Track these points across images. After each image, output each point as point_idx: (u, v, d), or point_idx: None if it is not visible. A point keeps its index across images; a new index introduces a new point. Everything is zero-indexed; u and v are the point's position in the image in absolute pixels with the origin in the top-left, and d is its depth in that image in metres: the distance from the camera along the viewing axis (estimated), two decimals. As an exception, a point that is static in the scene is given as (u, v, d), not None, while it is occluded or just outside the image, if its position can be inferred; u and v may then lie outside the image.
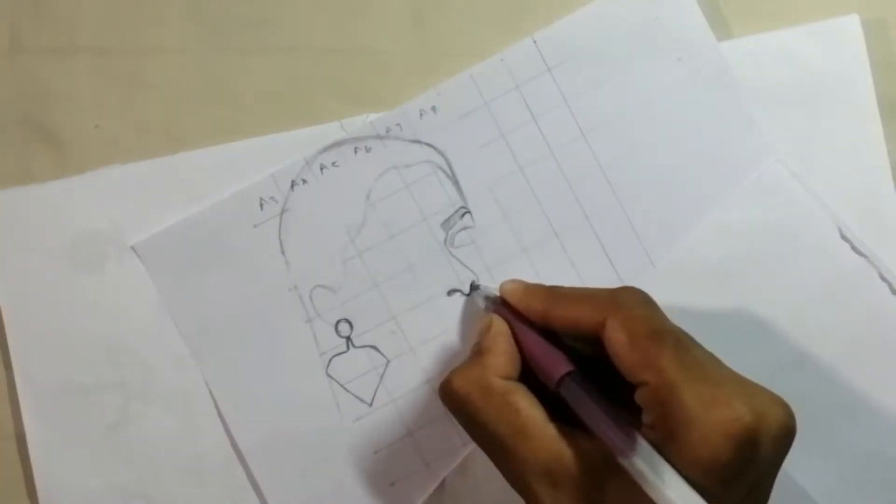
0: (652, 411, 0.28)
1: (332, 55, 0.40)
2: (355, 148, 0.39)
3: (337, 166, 0.39)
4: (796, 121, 0.40)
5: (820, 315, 0.39)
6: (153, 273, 0.39)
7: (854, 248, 0.39)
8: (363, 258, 0.39)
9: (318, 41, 0.40)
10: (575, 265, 0.39)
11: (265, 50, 0.40)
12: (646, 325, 0.30)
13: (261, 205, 0.39)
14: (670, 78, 0.39)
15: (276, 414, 0.38)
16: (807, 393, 0.38)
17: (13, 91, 0.40)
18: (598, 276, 0.39)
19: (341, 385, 0.39)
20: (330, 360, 0.39)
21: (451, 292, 0.39)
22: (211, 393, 0.39)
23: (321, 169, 0.39)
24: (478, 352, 0.34)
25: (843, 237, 0.39)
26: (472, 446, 0.39)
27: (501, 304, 0.35)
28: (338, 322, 0.39)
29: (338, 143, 0.39)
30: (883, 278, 0.39)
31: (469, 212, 0.39)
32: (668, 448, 0.27)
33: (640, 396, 0.29)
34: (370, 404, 0.39)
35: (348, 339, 0.39)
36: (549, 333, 0.33)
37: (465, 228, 0.39)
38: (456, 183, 0.39)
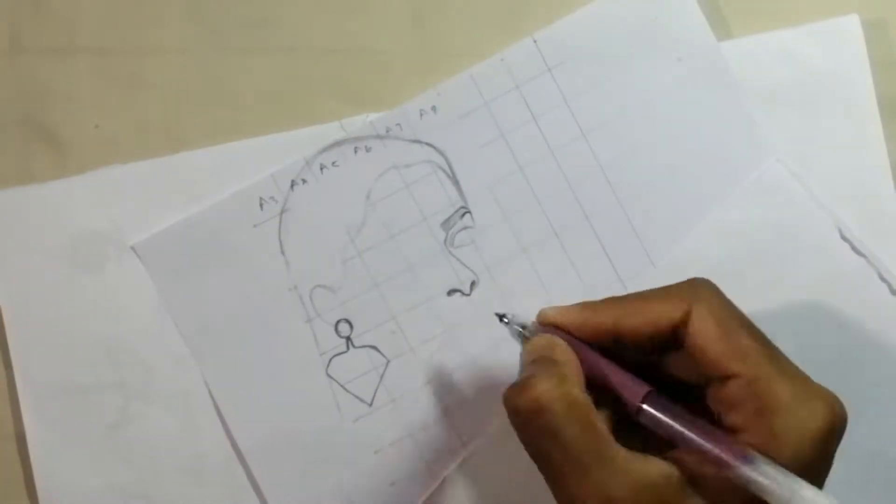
0: (746, 406, 0.27)
1: (332, 55, 0.40)
2: (355, 148, 0.39)
3: (337, 166, 0.39)
4: (796, 121, 0.40)
5: (820, 315, 0.39)
6: (153, 273, 0.39)
7: (854, 249, 0.39)
8: (363, 258, 0.39)
9: (318, 41, 0.40)
10: (575, 265, 0.39)
11: (265, 50, 0.40)
12: (734, 314, 0.29)
13: (261, 205, 0.39)
14: (670, 78, 0.39)
15: (276, 414, 0.38)
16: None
17: (13, 91, 0.40)
18: (598, 276, 0.39)
19: (341, 385, 0.39)
20: (330, 360, 0.39)
21: (451, 292, 0.39)
22: (211, 393, 0.39)
23: (321, 169, 0.39)
24: (551, 362, 0.30)
25: (843, 237, 0.39)
26: (472, 446, 0.38)
27: (545, 330, 0.32)
28: (338, 322, 0.39)
29: (338, 143, 0.39)
30: (882, 278, 0.39)
31: (469, 212, 0.39)
32: (770, 447, 0.27)
33: (729, 391, 0.28)
34: (370, 404, 0.39)
35: (348, 339, 0.39)
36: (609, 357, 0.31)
37: (465, 228, 0.39)
38: (456, 183, 0.39)
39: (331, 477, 0.38)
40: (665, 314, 0.30)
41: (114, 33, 0.40)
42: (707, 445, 0.28)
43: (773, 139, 0.39)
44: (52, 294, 0.39)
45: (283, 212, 0.39)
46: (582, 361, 0.31)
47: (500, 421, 0.38)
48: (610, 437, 0.28)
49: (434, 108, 0.39)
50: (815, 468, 0.27)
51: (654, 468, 0.28)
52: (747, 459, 0.27)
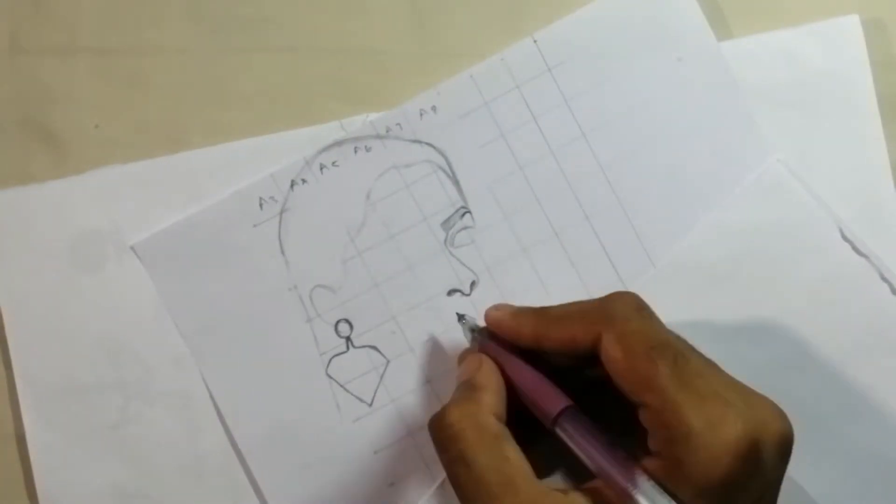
0: (658, 434, 0.28)
1: (332, 55, 0.40)
2: (355, 148, 0.39)
3: (337, 166, 0.39)
4: (796, 121, 0.40)
5: (820, 315, 0.39)
6: (153, 273, 0.39)
7: (855, 249, 0.39)
8: (363, 258, 0.39)
9: (318, 41, 0.40)
10: (575, 265, 0.39)
11: (265, 50, 0.40)
12: (641, 340, 0.29)
13: (260, 205, 0.39)
14: (670, 78, 0.39)
15: (276, 414, 0.38)
16: (807, 393, 0.38)
17: (13, 91, 0.40)
18: (598, 276, 0.39)
19: (341, 385, 0.39)
20: (330, 360, 0.39)
21: (451, 292, 0.39)
22: (211, 393, 0.39)
23: (321, 169, 0.39)
24: (471, 387, 0.31)
25: (844, 238, 0.39)
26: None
27: (488, 335, 0.34)
28: (338, 322, 0.39)
29: (338, 143, 0.39)
30: (884, 279, 0.39)
31: (469, 212, 0.39)
32: (677, 473, 0.27)
33: (643, 417, 0.28)
34: (370, 404, 0.39)
35: (348, 339, 0.39)
36: (542, 362, 0.32)
37: (465, 228, 0.39)
38: (456, 183, 0.39)
39: (331, 477, 0.38)
40: (577, 338, 0.30)
41: (114, 33, 0.40)
42: (606, 468, 0.28)
43: (774, 139, 0.39)
44: (52, 294, 0.39)
45: (283, 212, 0.39)
46: (509, 373, 0.32)
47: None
48: (522, 468, 0.29)
49: (434, 108, 0.39)
50: (739, 486, 0.27)
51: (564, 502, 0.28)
52: (637, 484, 0.27)
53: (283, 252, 0.39)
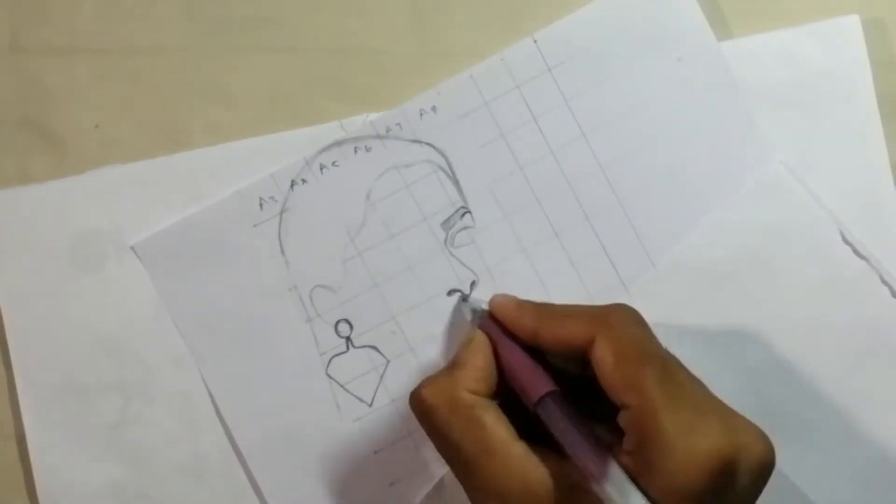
0: (632, 435, 0.28)
1: (332, 55, 0.40)
2: (355, 148, 0.39)
3: (337, 166, 0.39)
4: (796, 121, 0.40)
5: (820, 317, 0.39)
6: (153, 273, 0.39)
7: (856, 251, 0.39)
8: (363, 258, 0.39)
9: (318, 41, 0.40)
10: (575, 265, 0.39)
11: (265, 50, 0.40)
12: (634, 346, 0.30)
13: (260, 204, 0.39)
14: (670, 78, 0.39)
15: (276, 414, 0.38)
16: (807, 395, 0.38)
17: (13, 91, 0.40)
18: (598, 276, 0.39)
19: (341, 385, 0.39)
20: (330, 360, 0.39)
21: (451, 292, 0.39)
22: (210, 393, 0.39)
23: (321, 169, 0.39)
24: (452, 364, 0.33)
25: (845, 240, 0.39)
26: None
27: (489, 319, 0.35)
28: (338, 322, 0.39)
29: (338, 143, 0.39)
30: (884, 281, 0.39)
31: (469, 212, 0.39)
32: (645, 474, 0.27)
33: (622, 419, 0.29)
34: (370, 404, 0.39)
35: (348, 339, 0.39)
36: (537, 353, 0.33)
37: (465, 228, 0.39)
38: (456, 183, 0.39)
39: (331, 477, 0.38)
40: (573, 336, 0.31)
41: (114, 33, 0.40)
42: (576, 450, 0.29)
43: (774, 139, 0.39)
44: (52, 294, 0.39)
45: (283, 212, 0.39)
46: (501, 353, 0.33)
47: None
48: (502, 433, 0.30)
49: (434, 108, 0.39)
50: (705, 500, 0.27)
51: (545, 467, 0.30)
52: (607, 470, 0.28)
53: (283, 252, 0.39)
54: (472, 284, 0.39)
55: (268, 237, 0.39)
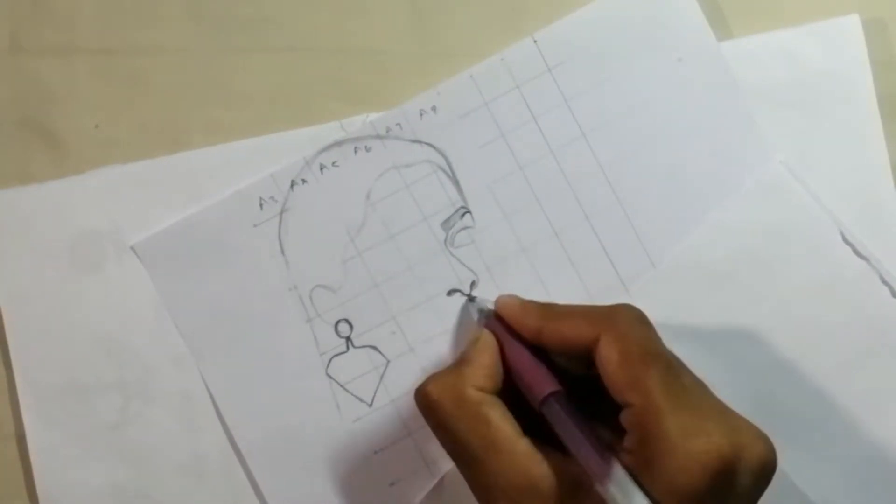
0: (634, 434, 0.29)
1: (332, 55, 0.40)
2: (355, 148, 0.39)
3: (337, 166, 0.39)
4: (796, 121, 0.40)
5: (820, 317, 0.39)
6: (153, 273, 0.39)
7: (856, 252, 0.39)
8: (363, 258, 0.39)
9: (318, 41, 0.40)
10: (575, 265, 0.39)
11: (265, 50, 0.40)
12: (639, 345, 0.30)
13: (260, 204, 0.39)
14: (670, 78, 0.39)
15: (276, 414, 0.38)
16: (807, 395, 0.38)
17: (13, 91, 0.40)
18: (598, 276, 0.39)
19: (341, 385, 0.39)
20: (330, 360, 0.39)
21: (451, 292, 0.39)
22: (210, 393, 0.39)
23: (321, 169, 0.39)
24: (459, 361, 0.34)
25: (845, 240, 0.39)
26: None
27: (495, 319, 0.35)
28: (338, 322, 0.39)
29: (338, 143, 0.39)
30: (884, 281, 0.39)
31: (469, 212, 0.39)
32: (646, 474, 0.28)
33: (624, 418, 0.29)
34: (370, 404, 0.39)
35: (348, 339, 0.39)
36: (542, 353, 0.33)
37: (465, 228, 0.39)
38: (456, 183, 0.39)
39: (331, 477, 0.38)
40: (578, 335, 0.31)
41: (114, 33, 0.40)
42: (580, 450, 0.29)
43: (774, 139, 0.39)
44: (52, 294, 0.39)
45: (283, 212, 0.39)
46: (507, 353, 0.33)
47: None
48: (507, 429, 0.31)
49: (434, 108, 0.39)
50: (705, 500, 0.27)
51: (550, 463, 0.30)
52: (611, 470, 0.28)
53: (283, 252, 0.39)
54: (472, 284, 0.39)
55: (268, 237, 0.39)
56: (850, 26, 0.40)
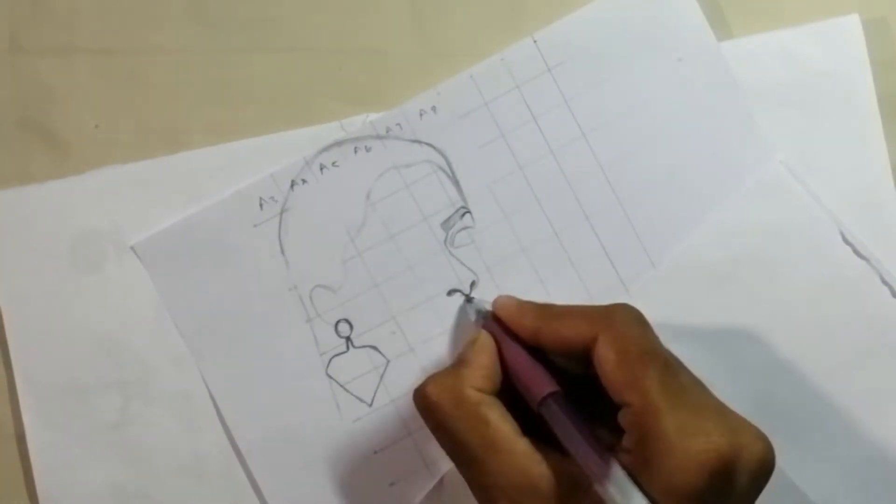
0: (632, 434, 0.29)
1: (332, 55, 0.40)
2: (355, 148, 0.39)
3: (337, 166, 0.39)
4: (796, 121, 0.40)
5: (820, 317, 0.39)
6: (153, 273, 0.39)
7: (856, 252, 0.39)
8: (363, 258, 0.39)
9: (318, 41, 0.40)
10: (575, 265, 0.39)
11: (265, 50, 0.40)
12: (636, 345, 0.30)
13: (260, 205, 0.39)
14: (670, 78, 0.39)
15: (276, 414, 0.38)
16: (807, 395, 0.38)
17: (13, 91, 0.40)
18: (598, 276, 0.39)
19: (341, 385, 0.39)
20: (330, 360, 0.39)
21: (451, 292, 0.39)
22: (210, 393, 0.39)
23: (321, 169, 0.39)
24: (458, 362, 0.34)
25: (845, 240, 0.39)
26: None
27: (493, 320, 0.35)
28: (338, 322, 0.39)
29: (338, 143, 0.39)
30: (884, 282, 0.39)
31: (469, 212, 0.39)
32: (644, 474, 0.28)
33: (622, 417, 0.29)
34: (370, 404, 0.39)
35: (348, 339, 0.39)
36: (540, 353, 0.33)
37: (465, 228, 0.39)
38: (456, 183, 0.39)
39: (331, 477, 0.38)
40: (576, 335, 0.31)
41: (114, 33, 0.40)
42: (578, 450, 0.29)
43: (774, 139, 0.39)
44: (52, 294, 0.39)
45: (283, 212, 0.39)
46: (505, 354, 0.33)
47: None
48: (506, 429, 0.31)
49: (434, 108, 0.39)
50: (704, 500, 0.27)
51: (549, 463, 0.30)
52: (609, 470, 0.28)
53: (283, 252, 0.39)
54: (472, 284, 0.39)
55: (268, 237, 0.39)
56: (851, 26, 0.40)
